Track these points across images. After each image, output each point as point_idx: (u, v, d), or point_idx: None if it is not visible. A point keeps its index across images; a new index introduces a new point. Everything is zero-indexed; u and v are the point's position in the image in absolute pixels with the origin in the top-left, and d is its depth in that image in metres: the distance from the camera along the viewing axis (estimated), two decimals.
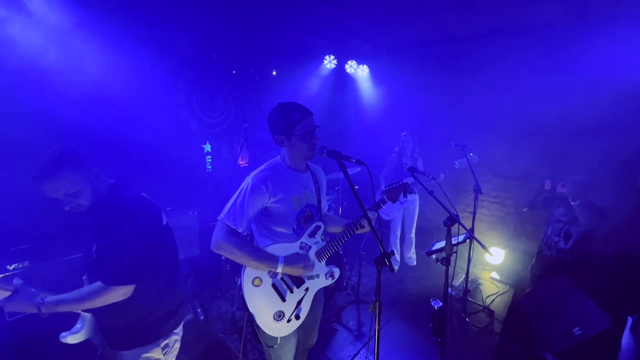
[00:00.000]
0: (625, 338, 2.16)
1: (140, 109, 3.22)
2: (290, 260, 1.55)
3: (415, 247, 4.30)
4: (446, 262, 2.08)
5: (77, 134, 2.82)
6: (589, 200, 2.77)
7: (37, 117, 2.62)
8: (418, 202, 4.02)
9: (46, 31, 2.55)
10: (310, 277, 1.67)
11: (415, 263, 4.28)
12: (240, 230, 1.49)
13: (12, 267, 2.39)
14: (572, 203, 2.78)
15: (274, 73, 4.77)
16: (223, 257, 3.41)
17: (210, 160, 4.24)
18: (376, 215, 1.73)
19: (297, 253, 1.60)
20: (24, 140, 2.60)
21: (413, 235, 4.16)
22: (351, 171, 4.10)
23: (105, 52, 2.88)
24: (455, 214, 2.05)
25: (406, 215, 4.05)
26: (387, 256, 1.33)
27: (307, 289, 1.66)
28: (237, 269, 3.39)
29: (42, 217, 2.69)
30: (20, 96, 2.56)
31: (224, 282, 3.48)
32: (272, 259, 1.52)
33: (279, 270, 1.51)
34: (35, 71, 2.54)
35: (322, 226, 1.70)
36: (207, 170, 4.22)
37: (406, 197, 1.82)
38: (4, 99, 2.51)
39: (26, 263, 2.44)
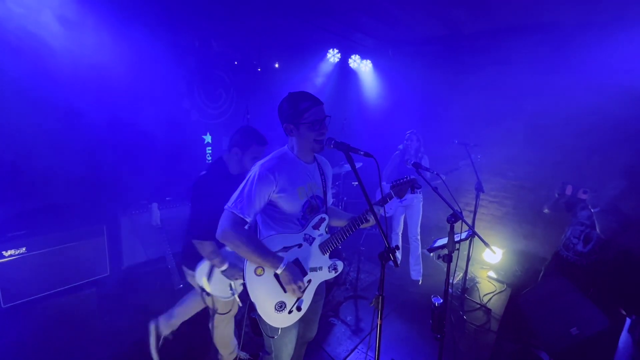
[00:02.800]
0: (623, 338, 2.17)
1: (140, 96, 3.17)
2: (291, 268, 1.53)
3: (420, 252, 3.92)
4: (448, 259, 2.08)
5: (74, 118, 2.78)
6: (612, 208, 2.72)
7: (31, 99, 2.57)
8: (422, 203, 3.82)
9: (46, 9, 2.49)
10: (313, 270, 1.66)
11: (420, 277, 3.86)
12: (247, 219, 1.47)
13: (8, 253, 2.35)
14: (592, 210, 2.75)
15: (277, 65, 4.72)
16: None
17: (210, 151, 4.20)
18: (382, 210, 1.71)
19: (298, 268, 1.59)
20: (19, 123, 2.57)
21: (418, 238, 3.86)
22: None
23: (105, 35, 2.81)
24: (459, 211, 2.04)
25: (408, 215, 3.87)
26: (391, 251, 1.32)
27: (309, 281, 1.65)
28: None
29: (42, 204, 2.66)
30: (14, 75, 2.49)
31: None
32: (276, 260, 1.50)
33: (279, 272, 1.50)
34: (32, 49, 2.48)
35: (327, 218, 1.69)
36: (207, 161, 4.18)
37: (414, 192, 1.80)
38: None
39: (23, 250, 2.41)
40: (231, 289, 2.10)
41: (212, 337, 2.27)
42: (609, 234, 2.71)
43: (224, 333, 2.28)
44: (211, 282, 2.03)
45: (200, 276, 2.02)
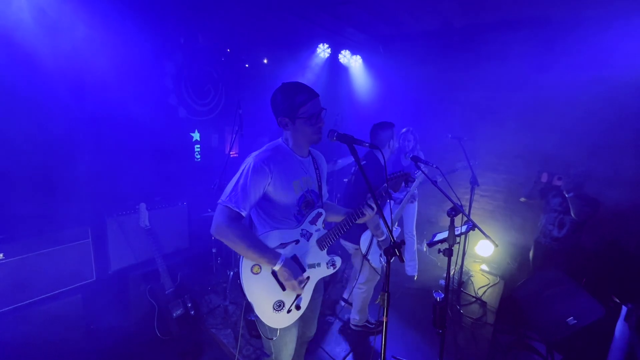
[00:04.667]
0: (619, 327, 2.20)
1: (124, 92, 3.03)
2: (289, 264, 1.47)
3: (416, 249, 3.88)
4: (449, 253, 2.05)
5: (55, 114, 2.63)
6: (582, 192, 2.88)
7: (8, 96, 2.41)
8: (417, 199, 3.74)
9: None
10: (312, 266, 1.60)
11: (415, 272, 3.82)
12: (243, 213, 1.39)
13: None
14: (567, 195, 2.87)
15: (265, 61, 4.62)
16: (214, 250, 3.29)
17: (199, 149, 4.08)
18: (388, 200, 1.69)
19: (296, 265, 1.52)
20: None
21: (414, 234, 3.80)
22: (348, 161, 4.03)
23: (84, 28, 2.65)
24: (460, 204, 2.02)
25: (404, 212, 3.71)
26: (397, 246, 1.27)
27: (307, 278, 1.58)
28: (228, 262, 3.28)
29: (21, 206, 2.50)
30: None
31: (215, 275, 3.37)
32: (273, 256, 1.43)
33: (276, 268, 1.43)
34: (5, 43, 2.31)
35: (324, 213, 1.63)
36: (195, 160, 4.06)
37: (408, 186, 1.79)
38: None
39: (0, 256, 2.26)
40: (381, 257, 2.51)
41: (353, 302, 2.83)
42: (582, 217, 2.90)
43: (363, 296, 2.72)
44: (370, 251, 2.44)
45: (364, 244, 2.47)
